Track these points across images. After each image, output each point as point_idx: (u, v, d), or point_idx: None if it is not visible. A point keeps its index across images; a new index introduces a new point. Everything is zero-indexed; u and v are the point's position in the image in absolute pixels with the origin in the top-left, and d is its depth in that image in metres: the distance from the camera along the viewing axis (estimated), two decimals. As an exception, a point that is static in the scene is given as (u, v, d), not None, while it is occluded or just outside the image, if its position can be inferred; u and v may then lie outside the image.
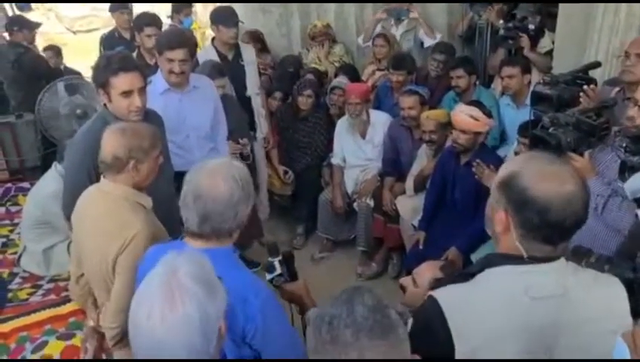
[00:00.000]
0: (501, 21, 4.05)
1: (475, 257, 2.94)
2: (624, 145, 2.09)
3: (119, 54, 2.37)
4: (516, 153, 3.00)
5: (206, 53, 3.87)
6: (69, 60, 5.94)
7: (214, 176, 1.51)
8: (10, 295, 3.18)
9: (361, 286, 1.16)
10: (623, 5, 3.01)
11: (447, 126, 3.33)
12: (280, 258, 1.86)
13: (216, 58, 3.77)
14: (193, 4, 6.47)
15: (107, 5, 5.00)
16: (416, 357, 1.08)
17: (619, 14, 3.04)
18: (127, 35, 4.74)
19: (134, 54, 3.78)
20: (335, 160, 4.08)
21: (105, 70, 2.26)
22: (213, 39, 3.98)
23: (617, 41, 3.07)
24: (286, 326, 1.62)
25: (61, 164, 3.28)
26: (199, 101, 3.03)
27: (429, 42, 4.51)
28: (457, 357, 1.21)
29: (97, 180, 2.05)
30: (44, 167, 4.16)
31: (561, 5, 3.57)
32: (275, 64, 4.97)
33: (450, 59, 4.08)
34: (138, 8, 4.95)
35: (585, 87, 2.49)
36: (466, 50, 4.70)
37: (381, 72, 4.46)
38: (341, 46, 4.91)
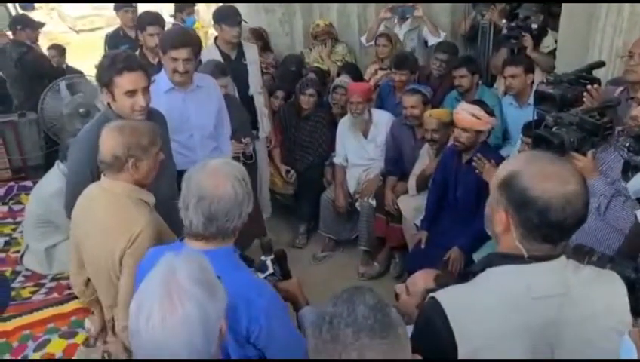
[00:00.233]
0: (504, 20, 4.05)
1: (477, 256, 2.94)
2: (627, 144, 2.09)
3: (123, 54, 2.37)
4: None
5: (209, 52, 3.87)
6: (72, 59, 5.94)
7: (216, 176, 1.51)
8: (12, 293, 3.19)
9: (362, 285, 1.16)
10: (627, 5, 3.01)
11: (449, 125, 3.33)
12: (272, 257, 1.87)
13: (218, 57, 3.77)
14: (196, 3, 6.46)
15: (109, 5, 5.01)
16: (417, 357, 1.08)
17: (622, 14, 3.04)
18: (131, 34, 4.74)
19: (137, 53, 3.79)
20: (337, 159, 4.08)
21: (109, 69, 2.26)
22: (215, 38, 3.98)
23: (620, 40, 3.06)
24: (290, 325, 1.62)
25: (64, 163, 3.28)
26: (203, 100, 3.03)
27: (433, 41, 4.50)
28: (460, 357, 1.21)
29: (100, 179, 2.05)
30: (47, 165, 4.16)
31: (564, 5, 3.56)
32: (277, 63, 4.97)
33: (453, 59, 4.08)
34: (141, 7, 4.95)
35: (588, 86, 2.48)
36: (469, 49, 4.70)
37: (383, 72, 4.46)
38: (343, 45, 4.91)
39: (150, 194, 2.02)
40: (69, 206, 2.16)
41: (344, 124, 4.00)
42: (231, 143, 3.38)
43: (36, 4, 10.10)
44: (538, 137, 2.27)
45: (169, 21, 5.37)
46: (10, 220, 4.06)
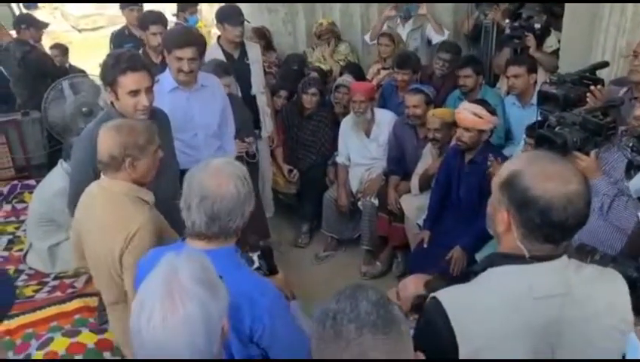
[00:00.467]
0: (507, 20, 4.04)
1: (479, 256, 2.94)
2: (631, 144, 2.09)
3: (127, 53, 2.37)
4: (523, 153, 3.00)
5: (211, 51, 3.87)
6: (74, 58, 5.95)
7: (219, 176, 1.52)
8: (16, 292, 3.20)
9: (364, 283, 1.16)
10: (630, 5, 3.00)
11: (452, 125, 3.32)
12: (259, 252, 1.88)
13: (221, 56, 3.78)
14: (199, 2, 6.47)
15: (112, 4, 5.01)
16: (420, 354, 1.08)
17: (625, 13, 3.03)
18: (137, 33, 4.75)
19: (140, 52, 3.79)
20: (340, 158, 4.08)
21: (113, 69, 2.26)
22: (218, 38, 3.99)
23: (624, 40, 3.05)
24: (293, 324, 1.62)
25: (67, 162, 3.29)
26: (207, 99, 3.04)
27: (437, 39, 4.50)
28: (461, 357, 1.21)
29: (102, 178, 2.06)
30: (50, 164, 4.17)
31: (567, 5, 3.55)
32: (279, 62, 4.97)
33: (456, 59, 4.07)
34: (145, 7, 4.95)
35: (592, 87, 2.48)
36: (472, 49, 4.69)
37: (386, 71, 4.46)
38: (346, 44, 4.92)
39: (149, 192, 2.02)
40: (72, 204, 2.17)
41: (347, 123, 4.00)
42: (235, 143, 3.38)
43: (39, 3, 10.12)
44: (541, 137, 2.27)
45: (172, 20, 5.39)
46: (13, 219, 4.07)
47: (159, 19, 3.99)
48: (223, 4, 4.22)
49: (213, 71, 3.36)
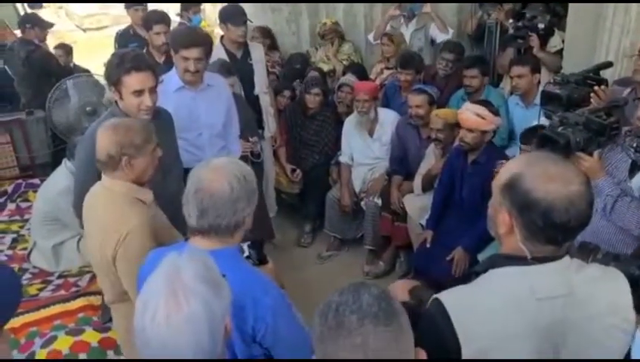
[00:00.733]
0: (510, 20, 4.03)
1: (482, 257, 2.93)
2: (634, 144, 2.09)
3: (132, 53, 2.38)
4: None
5: (214, 51, 3.87)
6: (79, 58, 5.98)
7: (216, 172, 1.53)
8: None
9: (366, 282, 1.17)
10: (634, 5, 2.99)
11: (455, 126, 3.32)
12: (249, 242, 1.86)
13: (224, 56, 3.78)
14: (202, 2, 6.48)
15: (116, 4, 5.02)
16: (421, 350, 1.09)
17: (629, 13, 3.02)
18: (141, 32, 4.75)
19: (144, 51, 3.80)
20: (343, 158, 4.08)
21: (118, 68, 2.27)
22: (221, 38, 3.99)
23: (628, 40, 3.05)
24: (295, 324, 1.63)
25: (71, 161, 3.31)
26: (213, 99, 3.05)
27: (441, 37, 4.50)
28: (464, 358, 1.21)
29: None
30: (55, 163, 4.19)
31: (571, 5, 3.54)
32: (283, 61, 4.98)
33: (459, 59, 4.07)
34: (150, 6, 4.96)
35: (595, 87, 2.47)
36: (475, 49, 4.68)
37: (389, 71, 4.46)
38: (350, 44, 4.92)
39: (148, 191, 2.02)
40: (78, 204, 2.18)
41: (350, 123, 4.00)
42: (240, 142, 3.39)
43: (44, 3, 10.15)
44: (544, 137, 2.26)
45: (175, 20, 5.39)
46: (17, 217, 4.10)
47: (163, 18, 4.00)
48: (226, 3, 4.22)
49: (216, 71, 3.37)
